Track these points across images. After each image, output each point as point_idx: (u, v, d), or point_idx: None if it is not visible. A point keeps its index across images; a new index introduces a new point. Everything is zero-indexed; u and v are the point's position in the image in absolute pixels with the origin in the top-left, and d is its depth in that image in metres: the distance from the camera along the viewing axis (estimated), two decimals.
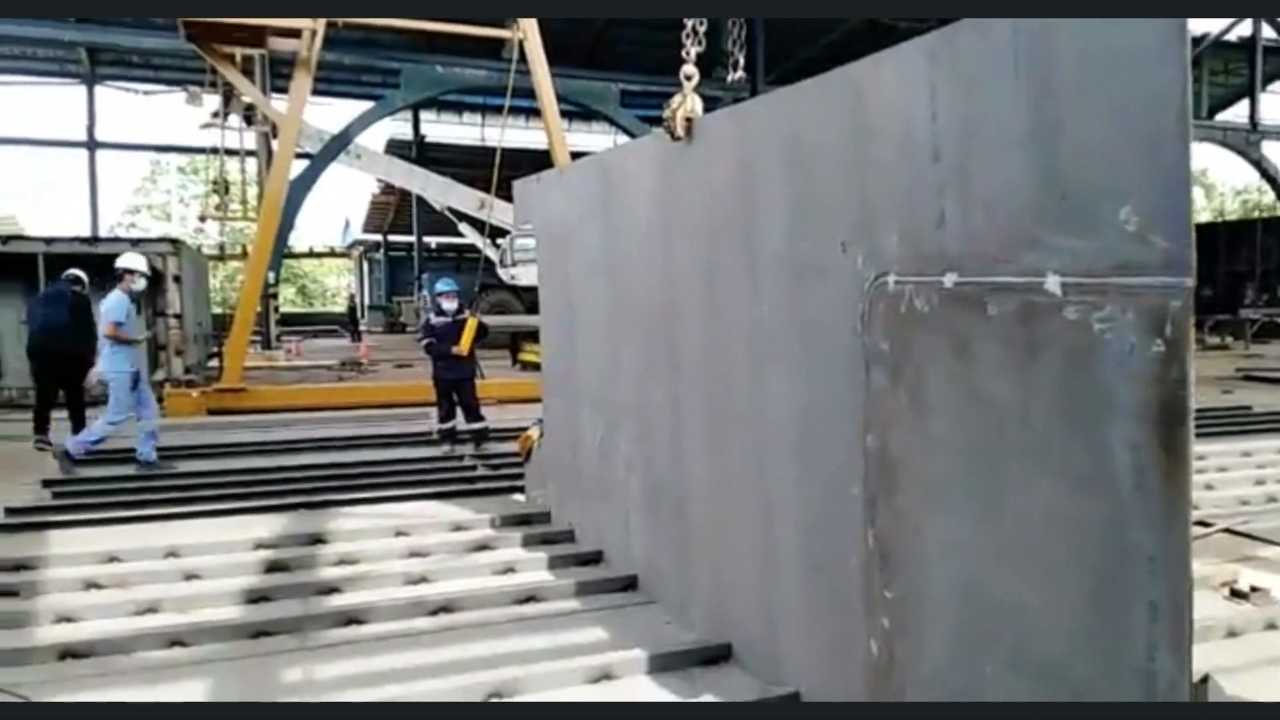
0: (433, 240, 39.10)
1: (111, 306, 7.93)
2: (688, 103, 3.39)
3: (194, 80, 21.32)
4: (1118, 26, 1.78)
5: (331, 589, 4.84)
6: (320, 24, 11.08)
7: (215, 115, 21.46)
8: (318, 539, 5.79)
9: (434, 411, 9.62)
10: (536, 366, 18.12)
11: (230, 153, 19.43)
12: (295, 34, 11.29)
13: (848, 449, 2.89)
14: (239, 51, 12.38)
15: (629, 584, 4.83)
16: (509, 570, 5.18)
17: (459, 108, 34.42)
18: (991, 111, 2.11)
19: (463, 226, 24.97)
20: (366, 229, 41.87)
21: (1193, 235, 1.73)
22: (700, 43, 3.50)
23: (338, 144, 18.54)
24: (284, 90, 14.92)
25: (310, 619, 4.38)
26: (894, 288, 2.52)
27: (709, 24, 3.64)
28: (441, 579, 5.02)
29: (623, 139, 28.53)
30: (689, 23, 3.50)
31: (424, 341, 9.07)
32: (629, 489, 4.83)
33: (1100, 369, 1.97)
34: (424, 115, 32.61)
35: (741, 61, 3.76)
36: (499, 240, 25.22)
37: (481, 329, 8.98)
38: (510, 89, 11.64)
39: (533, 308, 24.45)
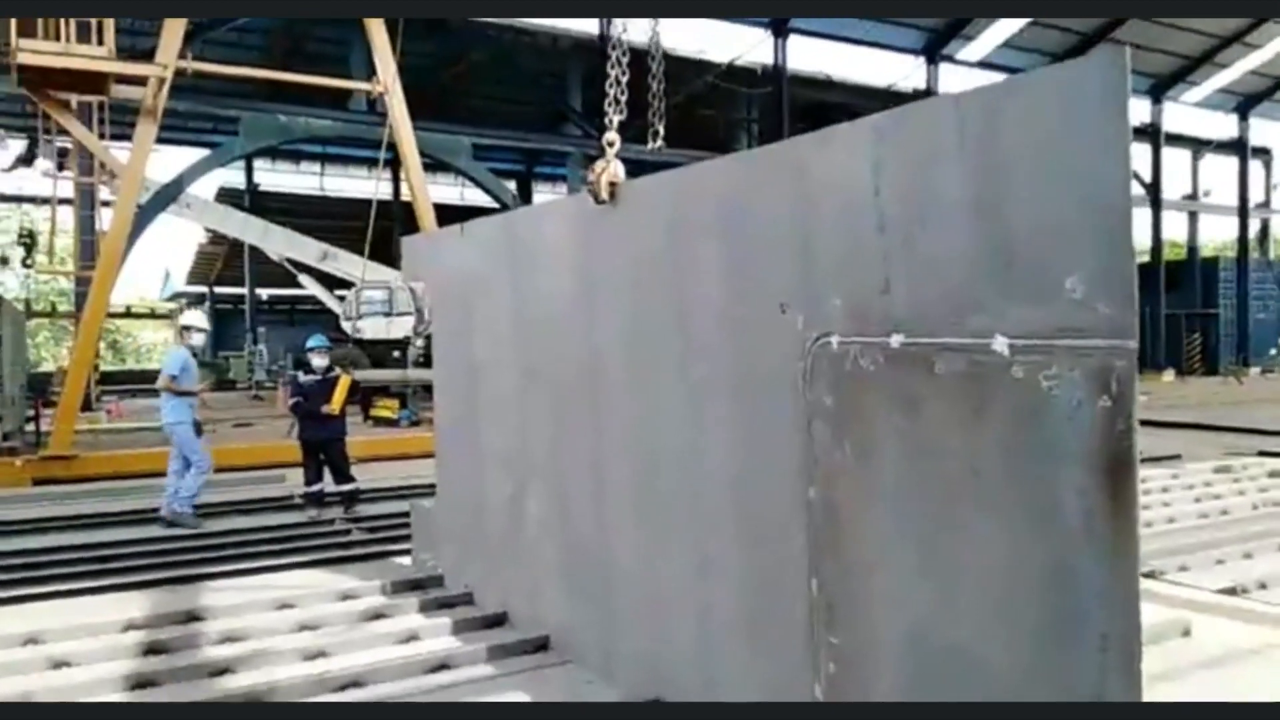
0: (264, 292, 37.39)
1: (168, 360, 8.63)
2: (611, 167, 3.51)
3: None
4: (1062, 108, 2.03)
5: (223, 670, 4.54)
6: (169, 71, 10.54)
7: (20, 160, 19.95)
8: (194, 616, 5.42)
9: (290, 473, 9.20)
10: (390, 422, 17.52)
11: (44, 201, 18.06)
12: (140, 81, 10.68)
13: (790, 502, 3.02)
14: (75, 98, 11.56)
15: (541, 645, 4.77)
16: (412, 639, 5.01)
17: (296, 156, 33.42)
18: (937, 187, 2.33)
19: (303, 278, 24.06)
20: (191, 281, 39.48)
21: (1135, 301, 1.97)
22: (622, 111, 3.65)
23: (168, 194, 17.57)
24: (113, 137, 14.05)
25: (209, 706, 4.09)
26: (838, 348, 2.70)
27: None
28: (341, 652, 4.79)
29: (473, 191, 28.42)
30: (610, 91, 3.65)
31: (292, 401, 8.73)
32: (541, 549, 4.80)
33: (1049, 422, 2.18)
34: (258, 163, 31.41)
35: (661, 131, 3.92)
36: (339, 292, 24.47)
37: (354, 386, 8.75)
38: (385, 142, 11.47)
39: (378, 361, 23.64)
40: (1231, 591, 5.48)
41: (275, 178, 34.01)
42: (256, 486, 10.35)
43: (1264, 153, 35.15)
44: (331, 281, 24.40)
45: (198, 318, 9.05)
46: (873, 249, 2.50)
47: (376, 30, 12.71)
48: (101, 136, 12.10)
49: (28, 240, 24.25)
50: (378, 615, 5.44)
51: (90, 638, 5.02)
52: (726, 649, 3.51)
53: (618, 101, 3.68)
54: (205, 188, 28.59)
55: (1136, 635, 2.13)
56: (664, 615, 3.86)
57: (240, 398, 26.37)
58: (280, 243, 23.00)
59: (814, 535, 2.96)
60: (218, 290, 39.14)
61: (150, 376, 31.54)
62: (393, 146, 13.06)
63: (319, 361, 8.67)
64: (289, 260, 23.26)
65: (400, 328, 22.53)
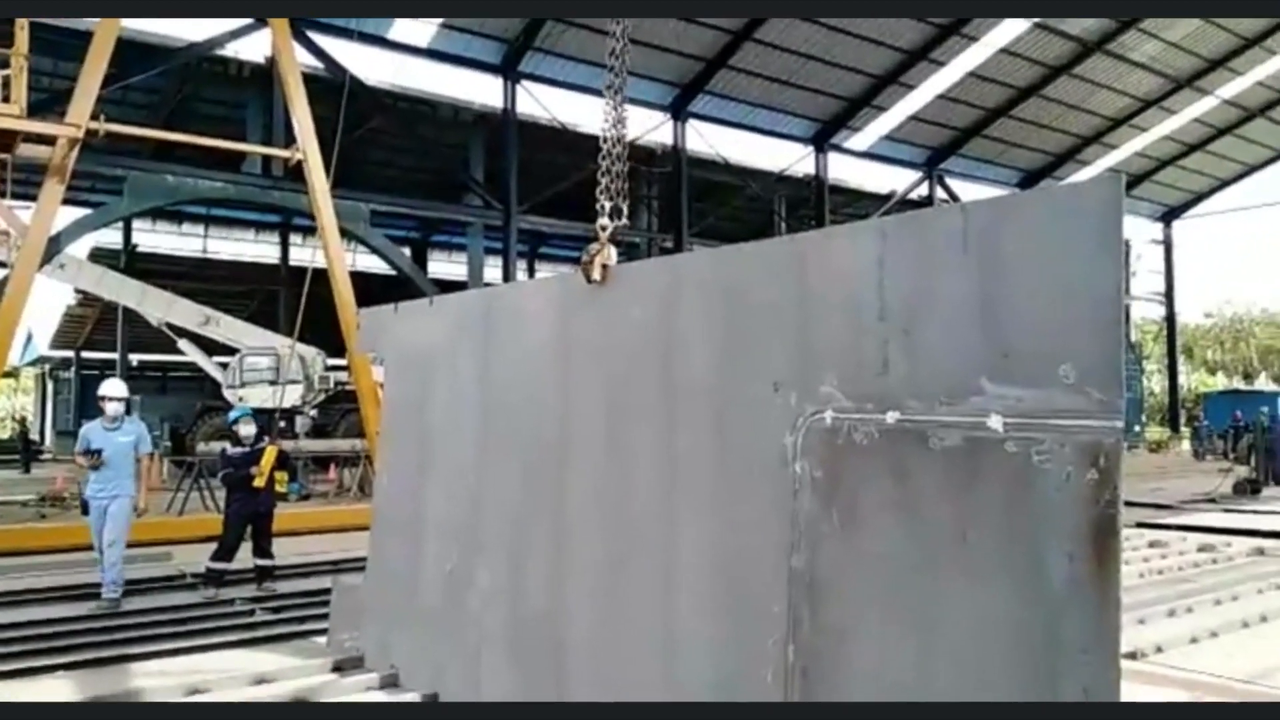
0: (135, 358, 35.58)
1: None
2: (604, 251, 3.65)
3: None
4: (1064, 221, 2.28)
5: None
6: (82, 131, 10.17)
7: None
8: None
9: (176, 550, 8.84)
10: (279, 496, 16.90)
11: None
12: (50, 140, 10.26)
13: (770, 571, 3.13)
14: None
15: None
16: None
17: (178, 216, 32.28)
18: (939, 284, 2.55)
19: (183, 344, 23.08)
20: (55, 344, 37.23)
21: (1124, 385, 2.20)
22: (613, 199, 3.82)
23: (46, 253, 16.70)
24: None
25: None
26: (831, 423, 2.85)
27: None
28: None
29: (365, 257, 27.98)
30: (602, 180, 3.81)
31: (221, 473, 8.48)
32: (484, 623, 4.73)
33: (1039, 492, 2.38)
34: (136, 222, 30.14)
35: (625, 211, 4.10)
36: (221, 358, 23.54)
37: (282, 456, 8.58)
38: (312, 211, 11.23)
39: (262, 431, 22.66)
40: (1131, 656, 5.83)
41: (155, 238, 32.69)
42: (142, 565, 9.73)
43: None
44: (213, 347, 23.48)
45: (110, 386, 8.30)
46: (873, 335, 2.69)
47: (298, 98, 12.62)
48: (1, 195, 11.49)
49: None
50: (297, 700, 5.20)
51: None
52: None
53: (609, 191, 3.86)
54: (79, 247, 27.27)
55: (1117, 683, 2.31)
56: (624, 687, 3.86)
57: None
58: (159, 306, 22.04)
59: (794, 602, 3.06)
60: (85, 355, 37.00)
61: (1, 446, 29.40)
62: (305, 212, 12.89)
63: (247, 430, 8.51)
64: (168, 325, 22.29)
65: (288, 396, 21.82)
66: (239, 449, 8.48)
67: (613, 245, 3.70)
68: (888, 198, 30.29)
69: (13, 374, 37.99)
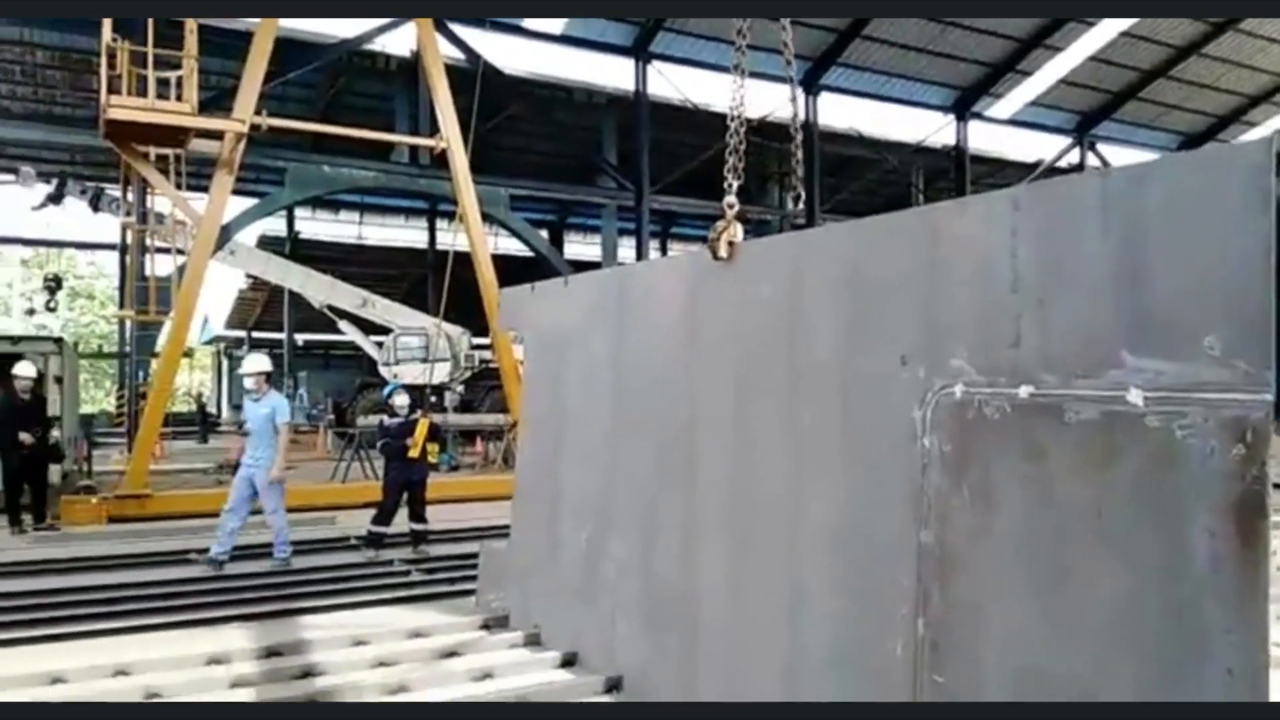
0: (300, 337, 37.97)
1: None
2: (731, 228, 3.72)
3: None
4: (1209, 185, 2.21)
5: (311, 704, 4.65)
6: (247, 125, 11.06)
7: (50, 199, 20.85)
8: (273, 652, 5.54)
9: (340, 515, 9.47)
10: (431, 467, 17.81)
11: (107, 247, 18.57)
12: (218, 135, 11.21)
13: (898, 545, 3.15)
14: (154, 150, 12.18)
15: (614, 685, 4.86)
16: (487, 676, 5.11)
17: (335, 205, 34.13)
18: (1076, 253, 2.50)
19: (342, 324, 24.49)
20: (229, 325, 40.18)
21: (1273, 358, 2.12)
22: (740, 177, 3.88)
23: (217, 241, 18.03)
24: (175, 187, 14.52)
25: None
26: (961, 396, 2.84)
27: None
28: (420, 689, 4.90)
29: (508, 241, 28.85)
30: (730, 159, 3.89)
31: (380, 443, 9.13)
32: (620, 591, 4.91)
33: (1181, 469, 2.32)
34: (298, 211, 32.10)
35: (804, 194, 4.15)
36: (377, 338, 24.87)
37: (433, 428, 9.16)
38: (456, 197, 11.81)
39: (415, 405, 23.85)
40: None
41: (315, 226, 34.74)
42: (310, 528, 10.49)
43: None
44: (369, 327, 24.84)
45: (244, 364, 8.85)
46: (1005, 307, 2.67)
47: (441, 89, 13.19)
48: (177, 187, 12.67)
49: (53, 284, 25.16)
50: (451, 653, 5.55)
51: (177, 670, 5.15)
52: (817, 690, 3.59)
53: (736, 169, 3.92)
54: (247, 235, 29.24)
55: (1265, 668, 2.23)
56: (751, 657, 3.95)
57: None
58: (320, 289, 23.46)
59: (923, 577, 3.07)
60: (255, 335, 39.80)
61: (181, 419, 32.14)
62: (450, 199, 13.51)
63: (401, 400, 9.11)
64: (328, 306, 23.72)
65: (438, 373, 22.89)
66: (395, 420, 9.08)
67: (739, 223, 3.75)
68: (1034, 166, 28.82)
69: (191, 353, 41.18)
